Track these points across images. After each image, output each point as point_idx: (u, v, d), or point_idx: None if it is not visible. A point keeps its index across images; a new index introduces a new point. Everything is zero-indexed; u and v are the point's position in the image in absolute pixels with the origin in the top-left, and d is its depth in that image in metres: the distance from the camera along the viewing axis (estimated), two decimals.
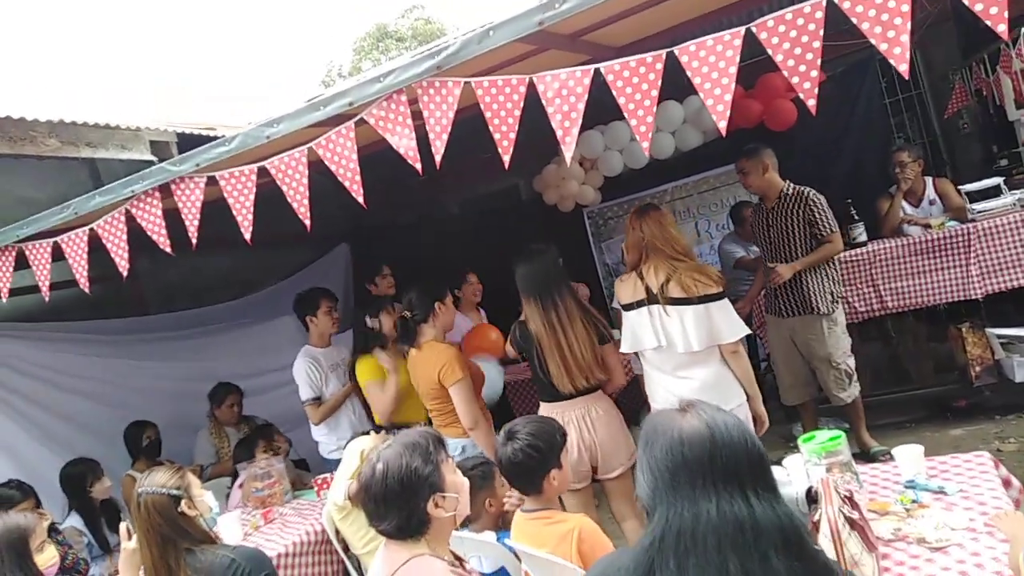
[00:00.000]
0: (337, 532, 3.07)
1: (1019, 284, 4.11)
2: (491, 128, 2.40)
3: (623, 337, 3.09)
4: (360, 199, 2.62)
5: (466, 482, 1.89)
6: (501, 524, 2.58)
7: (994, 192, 4.33)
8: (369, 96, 2.63)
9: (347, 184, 2.61)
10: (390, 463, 1.74)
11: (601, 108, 2.62)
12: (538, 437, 2.31)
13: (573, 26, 2.88)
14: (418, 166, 2.48)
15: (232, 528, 3.14)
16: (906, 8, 2.03)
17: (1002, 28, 2.02)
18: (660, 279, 2.91)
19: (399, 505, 1.72)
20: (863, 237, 4.45)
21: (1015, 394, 4.17)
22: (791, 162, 5.89)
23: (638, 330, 3.00)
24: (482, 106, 2.43)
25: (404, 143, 2.51)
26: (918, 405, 4.58)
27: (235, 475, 4.09)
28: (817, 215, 3.89)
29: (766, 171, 3.99)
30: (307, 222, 2.75)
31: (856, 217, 4.47)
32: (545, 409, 3.11)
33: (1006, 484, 2.12)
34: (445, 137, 2.48)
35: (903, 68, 2.03)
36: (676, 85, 2.65)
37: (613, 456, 3.03)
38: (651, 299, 2.94)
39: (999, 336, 4.23)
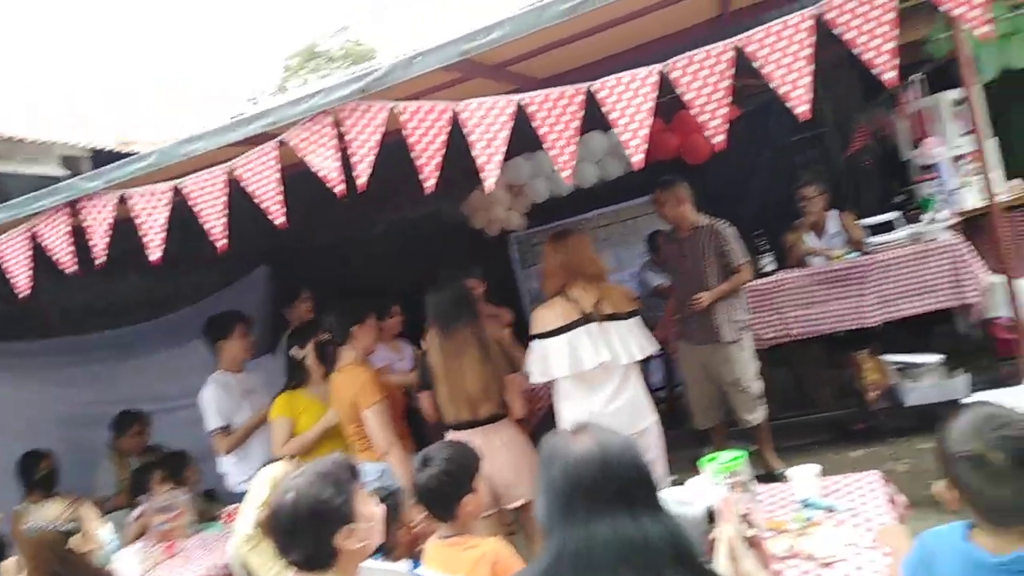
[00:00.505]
0: (244, 564, 2.97)
1: (912, 312, 4.40)
2: (414, 153, 2.44)
3: (536, 367, 3.13)
4: (280, 221, 2.59)
5: (380, 512, 1.87)
6: (415, 552, 2.56)
7: (890, 226, 4.66)
8: (292, 117, 2.63)
9: (266, 205, 2.58)
10: (301, 493, 1.70)
11: (527, 136, 2.69)
12: (453, 462, 2.33)
13: (497, 57, 2.96)
14: (338, 189, 2.49)
15: (130, 564, 3.00)
16: (808, 52, 2.19)
17: (888, 76, 2.20)
18: (592, 298, 3.01)
19: (309, 536, 1.68)
20: (771, 267, 4.69)
21: (907, 418, 4.44)
22: (706, 194, 6.16)
23: (578, 352, 3.03)
24: (405, 131, 2.47)
25: (326, 165, 2.51)
26: (821, 428, 4.82)
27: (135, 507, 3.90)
28: (728, 246, 4.09)
29: (680, 203, 4.16)
30: (221, 243, 2.70)
31: (764, 248, 4.70)
32: (450, 436, 3.15)
33: (892, 502, 2.26)
34: (370, 160, 2.50)
35: (802, 110, 2.18)
36: (600, 116, 2.76)
37: (513, 486, 3.09)
38: (587, 319, 3.01)
39: (893, 362, 4.52)
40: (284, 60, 19.92)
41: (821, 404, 4.98)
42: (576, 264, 3.07)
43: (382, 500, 2.43)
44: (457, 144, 2.49)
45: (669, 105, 3.69)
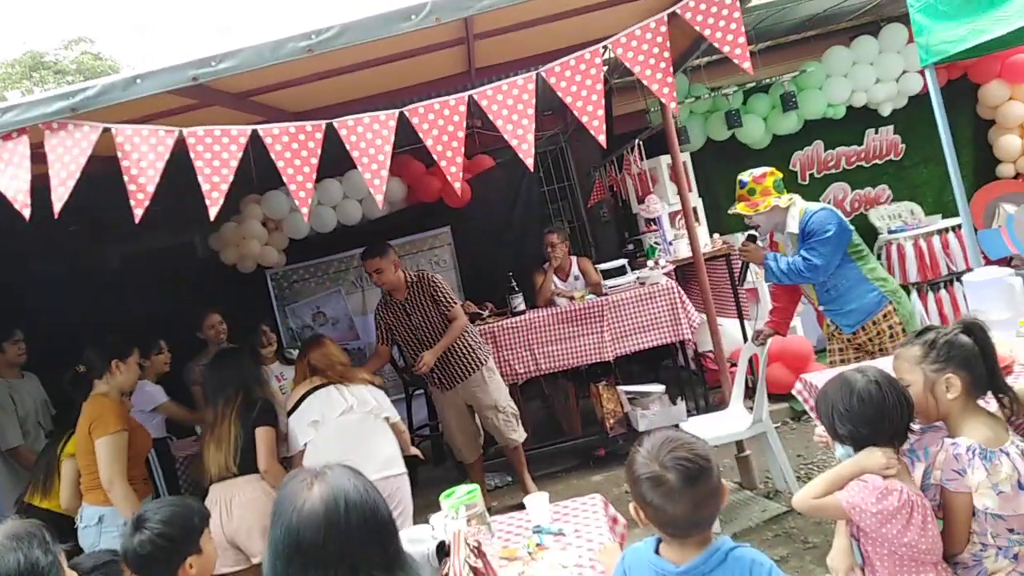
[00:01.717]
0: None
1: (641, 348, 4.93)
2: (127, 179, 2.22)
3: (299, 432, 3.27)
4: None
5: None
6: None
7: (621, 271, 5.20)
8: None
9: None
10: (0, 559, 1.45)
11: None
12: (171, 524, 2.08)
13: (238, 86, 2.84)
14: (26, 212, 2.18)
15: None
16: (530, 111, 2.39)
17: (602, 138, 2.47)
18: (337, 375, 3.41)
19: None
20: (522, 307, 4.98)
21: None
22: (465, 235, 6.47)
23: (324, 405, 3.29)
24: (120, 154, 2.26)
25: (14, 185, 2.19)
26: (569, 455, 5.17)
27: None
28: (440, 293, 4.28)
29: (396, 268, 4.23)
30: None
31: (516, 288, 4.98)
32: (211, 490, 3.17)
33: (614, 522, 2.47)
34: (70, 184, 2.23)
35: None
36: None
37: (248, 544, 3.06)
38: (332, 382, 3.37)
39: (627, 392, 4.99)
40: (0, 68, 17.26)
41: (570, 432, 5.34)
42: (316, 366, 3.42)
43: (90, 571, 2.14)
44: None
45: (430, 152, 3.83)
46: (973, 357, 1.87)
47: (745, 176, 3.47)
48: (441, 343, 4.24)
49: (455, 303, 4.33)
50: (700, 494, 1.50)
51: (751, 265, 3.80)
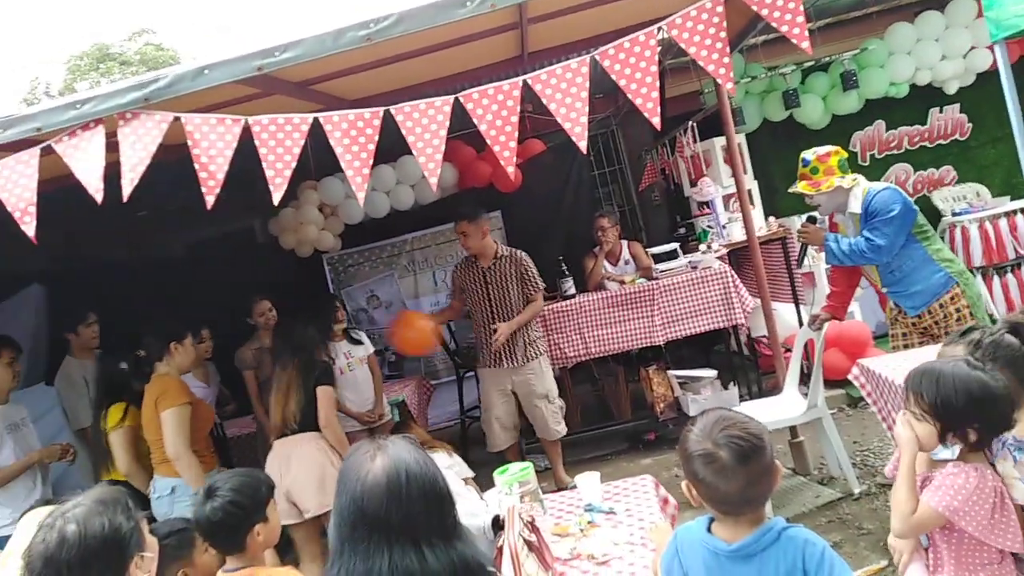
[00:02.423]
0: None
1: (692, 332, 4.90)
2: (197, 166, 2.33)
3: None
4: (31, 234, 2.34)
5: (155, 543, 1.76)
6: None
7: (673, 255, 5.16)
8: (63, 123, 2.41)
9: (17, 216, 2.32)
10: (87, 522, 1.56)
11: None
12: (241, 492, 2.20)
13: (297, 75, 2.93)
14: (99, 197, 2.29)
15: None
16: (584, 94, 2.40)
17: (654, 120, 2.47)
18: None
19: (101, 570, 1.54)
20: (572, 291, 5.00)
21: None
22: (515, 220, 6.51)
23: None
24: (190, 142, 2.35)
25: (89, 172, 2.31)
26: (618, 438, 5.20)
27: None
28: (530, 274, 4.37)
29: (485, 235, 4.33)
30: None
31: (566, 272, 5.00)
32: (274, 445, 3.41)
33: (664, 503, 2.49)
34: (139, 171, 2.33)
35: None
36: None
37: (302, 499, 3.27)
38: None
39: (677, 377, 4.99)
40: (70, 60, 17.98)
41: (619, 416, 5.36)
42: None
43: (165, 537, 2.28)
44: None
45: (482, 136, 3.88)
46: (1020, 357, 1.83)
47: (808, 154, 3.39)
48: (519, 318, 4.31)
49: (540, 288, 4.43)
50: (752, 472, 1.51)
51: (809, 248, 3.73)
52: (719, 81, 2.54)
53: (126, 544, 1.58)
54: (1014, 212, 5.50)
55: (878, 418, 3.10)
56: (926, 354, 2.56)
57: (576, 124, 2.36)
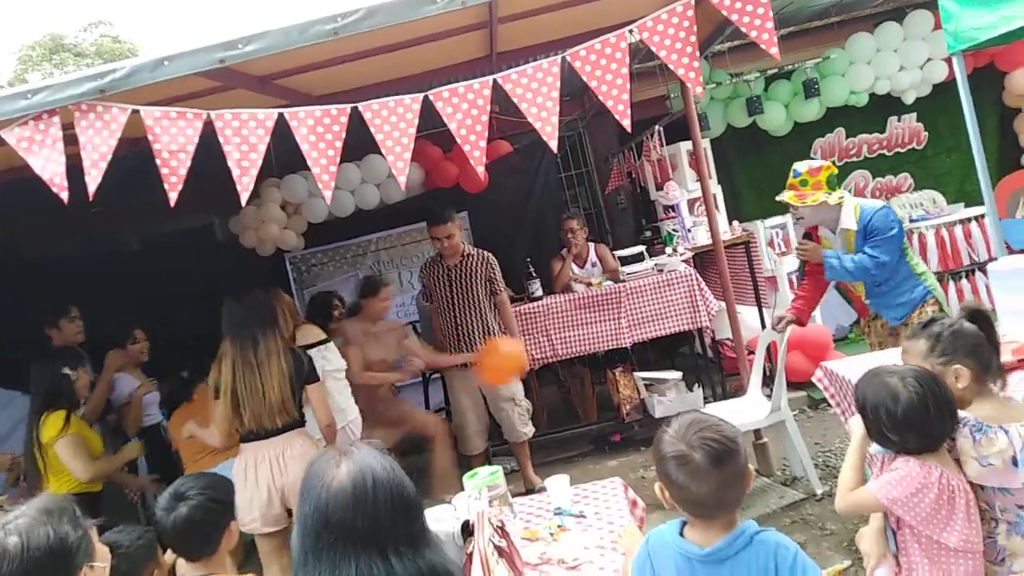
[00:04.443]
0: None
1: (658, 334, 4.92)
2: (159, 161, 2.25)
3: None
4: None
5: (108, 553, 1.69)
6: None
7: (639, 258, 5.18)
8: (12, 113, 2.30)
9: None
10: (30, 534, 1.48)
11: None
12: (215, 489, 2.15)
13: (261, 69, 2.85)
14: (64, 195, 2.21)
15: None
16: (555, 94, 2.39)
17: (627, 123, 2.46)
18: None
19: None
20: (539, 292, 4.98)
21: (656, 428, 4.89)
22: (482, 221, 6.47)
23: None
24: (151, 137, 2.27)
25: (50, 168, 2.22)
26: (584, 440, 5.19)
27: None
28: (496, 274, 4.38)
29: (455, 234, 4.32)
30: None
31: (533, 275, 4.99)
32: (243, 448, 3.05)
33: (633, 505, 2.49)
34: (102, 166, 2.25)
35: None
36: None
37: None
38: None
39: (643, 379, 5.01)
40: (21, 50, 17.38)
41: (585, 418, 5.36)
42: None
43: (137, 540, 2.19)
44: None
45: (449, 136, 3.84)
46: (979, 345, 1.91)
47: (801, 166, 3.44)
48: (514, 329, 4.44)
49: (504, 287, 4.46)
50: (726, 475, 1.50)
51: (771, 251, 3.79)
52: (688, 84, 2.55)
53: (72, 555, 1.51)
54: (968, 219, 5.66)
55: (840, 419, 3.15)
56: (884, 357, 2.61)
57: (547, 124, 2.35)
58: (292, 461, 2.98)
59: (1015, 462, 1.77)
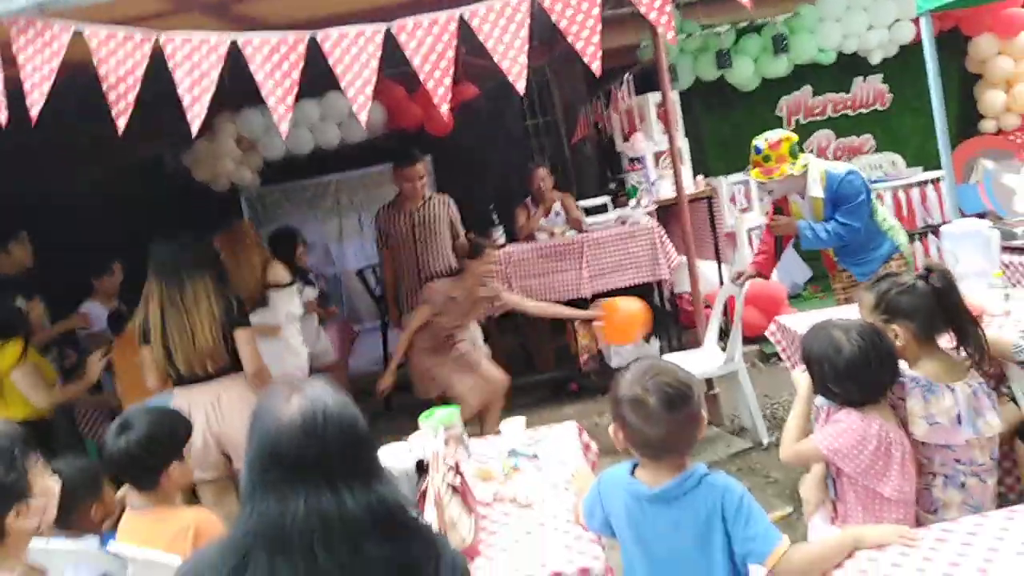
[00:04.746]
0: None
1: (618, 286, 4.95)
2: (105, 86, 2.13)
3: None
4: None
5: (56, 487, 1.66)
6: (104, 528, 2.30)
7: (603, 209, 5.18)
8: None
9: None
10: None
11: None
12: (158, 428, 2.12)
13: None
14: (2, 116, 2.09)
15: None
16: (524, 32, 2.32)
17: (596, 66, 2.41)
18: None
19: None
20: (502, 240, 4.95)
21: (612, 378, 4.99)
22: (446, 167, 6.37)
23: None
24: (96, 60, 2.15)
25: None
26: (541, 389, 5.26)
27: None
28: (457, 216, 4.40)
29: (422, 177, 4.28)
30: None
31: (496, 222, 4.95)
32: (177, 393, 2.96)
33: (586, 449, 2.54)
34: (44, 89, 2.13)
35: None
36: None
37: (240, 448, 2.88)
38: None
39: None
40: None
41: (543, 367, 5.42)
42: None
43: (77, 472, 2.16)
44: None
45: (414, 76, 3.71)
46: (918, 308, 1.95)
47: (760, 142, 3.43)
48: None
49: (461, 234, 4.46)
50: (678, 420, 1.53)
51: (734, 207, 3.82)
52: (660, 30, 2.51)
53: (2, 496, 1.49)
54: (925, 183, 5.78)
55: (790, 372, 3.24)
56: (841, 312, 2.68)
57: (514, 64, 2.28)
58: (228, 407, 2.91)
59: (959, 420, 1.84)
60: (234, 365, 2.96)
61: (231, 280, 3.51)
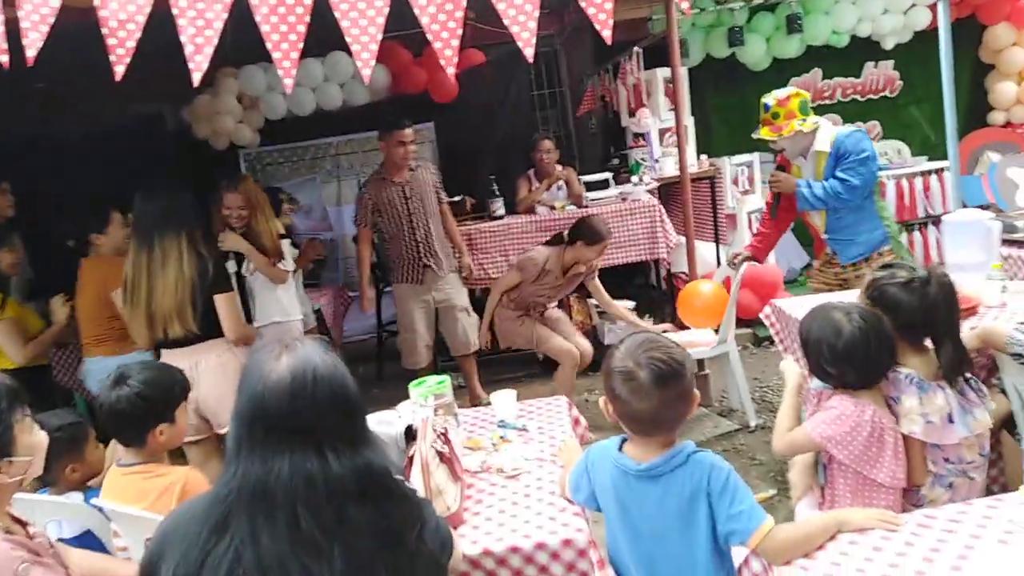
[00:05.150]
0: None
1: (616, 263, 4.94)
2: (105, 31, 2.08)
3: None
4: None
5: (43, 442, 1.65)
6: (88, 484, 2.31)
7: (604, 184, 5.14)
8: None
9: None
10: None
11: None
12: (152, 386, 2.10)
13: None
14: (3, 58, 2.04)
15: None
16: None
17: (607, 33, 2.36)
18: None
19: None
20: (501, 211, 4.92)
21: (605, 354, 5.01)
22: (448, 134, 6.29)
23: None
24: (97, 1, 2.09)
25: None
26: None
27: None
28: (440, 183, 4.40)
29: (417, 146, 4.26)
30: None
31: (497, 193, 4.90)
32: (162, 356, 2.92)
33: (576, 423, 2.53)
34: (44, 29, 2.07)
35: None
36: None
37: (221, 411, 2.88)
38: None
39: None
40: None
41: None
42: None
43: (57, 430, 2.15)
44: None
45: (420, 39, 3.62)
46: (901, 305, 1.92)
47: (769, 99, 3.35)
48: (464, 248, 4.52)
49: (445, 200, 4.44)
50: (668, 395, 1.53)
51: (735, 190, 3.77)
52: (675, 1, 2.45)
53: None
54: (929, 172, 5.74)
55: (782, 357, 3.23)
56: (839, 296, 2.67)
57: (524, 29, 2.23)
58: (206, 373, 2.86)
59: (951, 419, 1.84)
60: (215, 330, 2.90)
61: (255, 231, 3.61)
